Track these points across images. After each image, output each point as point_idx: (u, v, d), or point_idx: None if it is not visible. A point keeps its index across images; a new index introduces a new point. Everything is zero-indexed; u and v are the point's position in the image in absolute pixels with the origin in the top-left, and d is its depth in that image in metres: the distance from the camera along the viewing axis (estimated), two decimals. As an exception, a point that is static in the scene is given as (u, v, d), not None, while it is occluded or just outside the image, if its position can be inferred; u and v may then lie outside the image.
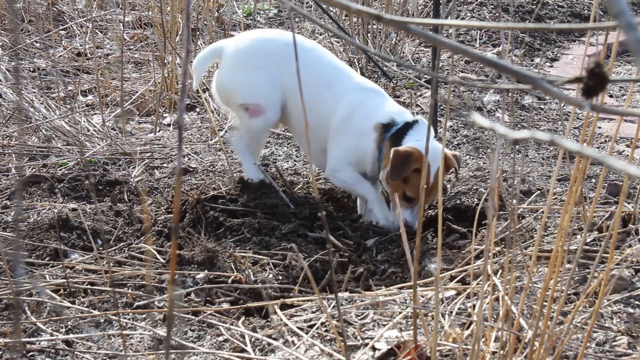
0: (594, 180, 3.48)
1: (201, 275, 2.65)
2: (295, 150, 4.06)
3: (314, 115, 3.23)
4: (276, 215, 3.15)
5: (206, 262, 2.73)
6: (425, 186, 2.98)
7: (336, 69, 3.31)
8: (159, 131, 4.43)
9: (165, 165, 3.91)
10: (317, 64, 3.28)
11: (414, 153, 2.98)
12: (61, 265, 2.71)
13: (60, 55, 5.54)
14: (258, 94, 3.29)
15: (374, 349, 2.16)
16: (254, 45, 3.34)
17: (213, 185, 3.45)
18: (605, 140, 4.11)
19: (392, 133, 3.13)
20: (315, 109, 3.22)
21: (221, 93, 3.42)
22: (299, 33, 5.95)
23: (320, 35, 5.89)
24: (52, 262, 2.79)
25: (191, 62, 5.05)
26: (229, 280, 2.64)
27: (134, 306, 2.50)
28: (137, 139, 4.28)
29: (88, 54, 5.47)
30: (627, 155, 3.87)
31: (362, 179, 3.25)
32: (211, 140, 4.25)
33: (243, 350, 2.23)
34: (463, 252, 2.88)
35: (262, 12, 6.57)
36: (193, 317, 2.43)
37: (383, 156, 3.15)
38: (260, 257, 2.84)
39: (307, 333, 2.27)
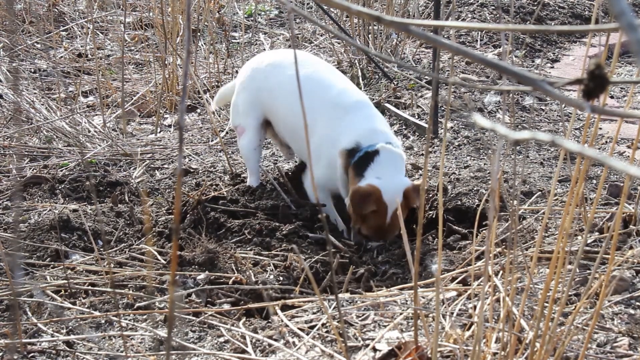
0: (594, 181, 3.48)
1: (202, 276, 2.65)
2: (296, 151, 4.06)
3: (295, 127, 3.25)
4: (277, 216, 3.16)
5: (207, 263, 2.73)
6: (384, 225, 3.00)
7: (318, 81, 3.24)
8: (159, 132, 4.43)
9: (166, 166, 3.92)
10: (301, 77, 3.20)
11: (374, 193, 2.95)
12: (62, 266, 2.71)
13: (61, 56, 5.54)
14: (240, 116, 3.43)
15: (374, 349, 2.16)
16: (246, 69, 3.47)
17: (214, 186, 3.45)
18: (607, 142, 4.11)
19: (355, 161, 3.06)
20: (294, 121, 3.25)
21: None
22: (299, 34, 5.96)
23: (321, 36, 5.89)
24: (52, 263, 2.79)
25: (192, 62, 5.05)
26: (230, 281, 2.64)
27: (135, 307, 2.50)
28: (138, 140, 4.28)
29: (89, 55, 5.48)
30: (628, 156, 3.87)
31: (331, 205, 3.25)
32: (212, 141, 4.25)
33: (244, 351, 2.23)
34: (464, 253, 2.88)
35: (262, 13, 6.57)
36: (194, 318, 2.43)
37: (349, 182, 3.09)
38: (261, 258, 2.84)
39: (307, 334, 2.27)
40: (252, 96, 3.38)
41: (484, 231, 2.91)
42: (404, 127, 4.34)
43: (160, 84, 4.77)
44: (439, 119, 4.25)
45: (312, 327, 2.32)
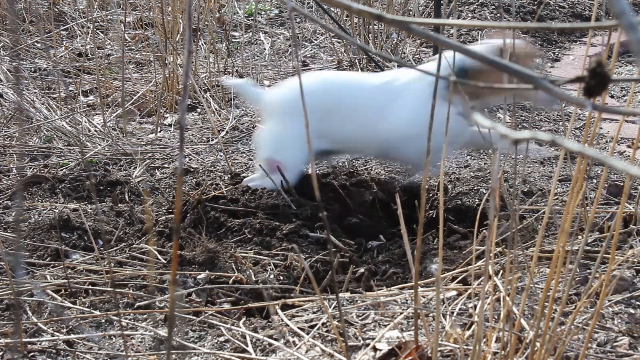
0: (595, 181, 3.48)
1: (202, 275, 2.65)
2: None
3: None
4: (277, 215, 3.15)
5: (207, 262, 2.73)
6: None
7: None
8: (160, 131, 4.42)
9: (166, 165, 3.91)
10: None
11: None
12: (62, 266, 2.71)
13: (62, 56, 5.54)
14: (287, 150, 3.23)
15: (375, 349, 2.16)
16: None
17: (214, 186, 3.45)
18: (607, 141, 4.11)
19: None
20: None
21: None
22: (299, 34, 5.95)
23: (322, 35, 5.89)
24: (53, 262, 2.79)
25: (192, 62, 5.05)
26: (230, 281, 2.64)
27: (135, 306, 2.50)
28: (138, 139, 4.28)
29: (89, 55, 5.47)
30: (629, 155, 3.87)
31: None
32: (212, 140, 4.25)
33: (244, 351, 2.22)
34: (464, 252, 2.88)
35: (263, 12, 6.57)
36: (194, 317, 2.43)
37: None
38: (261, 257, 2.84)
39: (308, 333, 2.27)
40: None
41: (484, 231, 2.91)
42: (404, 126, 4.34)
43: (160, 83, 4.76)
44: (439, 119, 4.24)
45: (312, 327, 2.32)
